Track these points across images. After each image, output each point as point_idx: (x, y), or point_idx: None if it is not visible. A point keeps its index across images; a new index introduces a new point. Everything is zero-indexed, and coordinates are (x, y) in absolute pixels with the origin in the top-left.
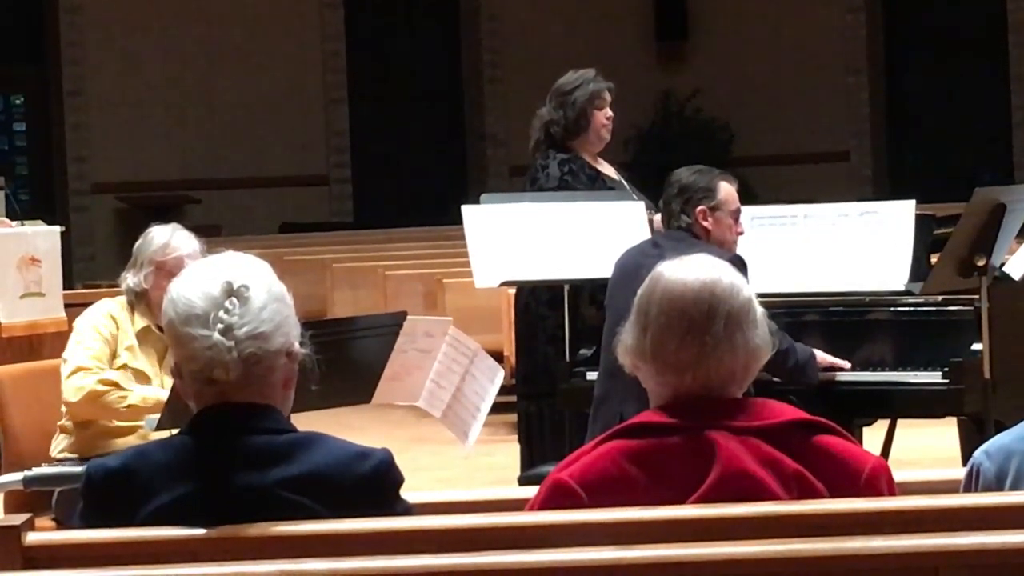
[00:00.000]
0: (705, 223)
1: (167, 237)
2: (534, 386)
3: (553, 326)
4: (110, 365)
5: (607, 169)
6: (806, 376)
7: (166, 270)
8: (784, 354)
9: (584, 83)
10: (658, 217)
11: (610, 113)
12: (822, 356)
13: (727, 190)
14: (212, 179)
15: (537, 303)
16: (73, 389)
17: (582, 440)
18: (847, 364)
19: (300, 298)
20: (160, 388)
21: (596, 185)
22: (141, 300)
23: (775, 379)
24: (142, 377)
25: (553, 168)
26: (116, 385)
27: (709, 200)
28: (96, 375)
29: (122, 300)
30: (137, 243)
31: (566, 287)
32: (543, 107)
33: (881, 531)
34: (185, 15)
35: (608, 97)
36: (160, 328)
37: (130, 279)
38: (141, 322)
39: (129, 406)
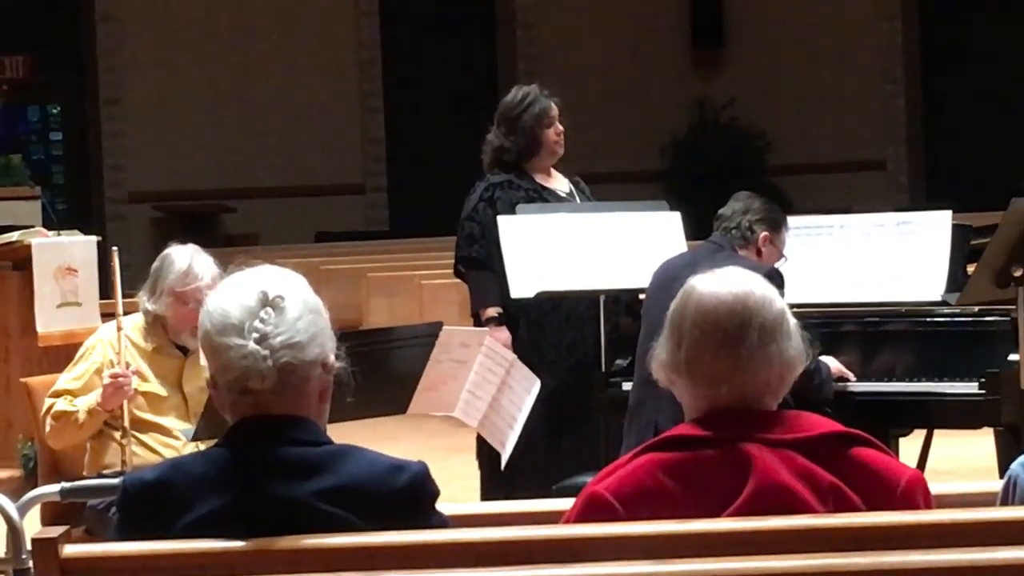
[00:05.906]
0: (763, 247)
1: (186, 264)
2: None
3: (521, 348)
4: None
5: (557, 184)
6: (824, 392)
7: (183, 300)
8: (812, 373)
9: (530, 104)
10: None
11: (560, 128)
12: (835, 366)
13: (786, 236)
14: (248, 188)
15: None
16: (45, 427)
17: (618, 450)
18: (852, 375)
19: (336, 307)
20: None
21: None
22: (157, 323)
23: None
24: (154, 400)
25: (474, 197)
26: (64, 413)
27: (776, 233)
28: (57, 407)
29: (137, 321)
30: (155, 264)
31: (601, 297)
32: (491, 131)
33: (918, 545)
34: (221, 24)
35: (555, 112)
36: (179, 347)
37: (148, 304)
38: (153, 343)
39: (81, 424)
